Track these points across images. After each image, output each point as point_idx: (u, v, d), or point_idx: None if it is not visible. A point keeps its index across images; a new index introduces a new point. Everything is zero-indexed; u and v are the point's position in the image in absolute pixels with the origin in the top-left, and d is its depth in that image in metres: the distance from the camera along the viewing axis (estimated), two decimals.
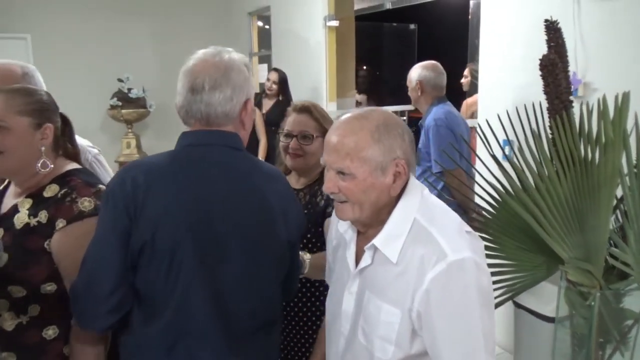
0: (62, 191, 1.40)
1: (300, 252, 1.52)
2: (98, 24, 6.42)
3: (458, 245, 1.11)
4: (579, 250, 1.71)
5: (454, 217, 1.20)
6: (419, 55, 3.98)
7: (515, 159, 1.77)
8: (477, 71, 3.44)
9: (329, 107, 5.18)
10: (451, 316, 1.10)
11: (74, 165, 1.51)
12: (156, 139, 6.66)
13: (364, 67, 5.59)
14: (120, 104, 6.26)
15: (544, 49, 1.81)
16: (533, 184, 1.65)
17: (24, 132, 1.39)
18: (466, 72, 4.91)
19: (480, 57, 3.29)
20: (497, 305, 1.96)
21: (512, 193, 1.82)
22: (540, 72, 1.68)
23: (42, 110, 1.44)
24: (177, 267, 1.20)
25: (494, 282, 1.97)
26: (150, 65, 6.71)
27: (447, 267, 1.09)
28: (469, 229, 1.18)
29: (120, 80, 6.32)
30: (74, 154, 1.56)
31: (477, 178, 2.08)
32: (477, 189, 2.08)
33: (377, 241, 1.18)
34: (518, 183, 1.78)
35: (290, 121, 1.82)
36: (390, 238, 1.17)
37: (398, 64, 3.76)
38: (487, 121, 2.14)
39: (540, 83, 1.72)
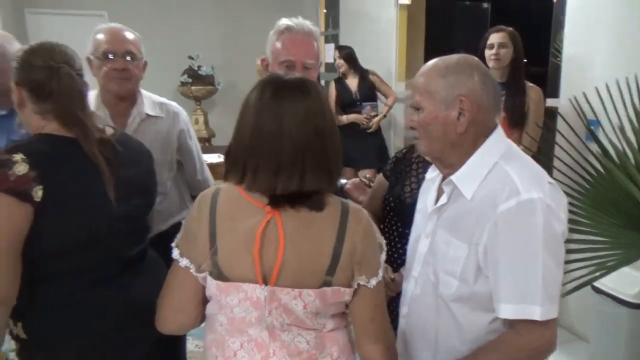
0: None
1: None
2: (170, 1, 6.58)
3: (532, 187, 1.13)
4: None
5: (538, 168, 1.23)
6: None
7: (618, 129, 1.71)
8: (558, 50, 3.30)
9: (398, 87, 5.12)
10: (514, 254, 1.12)
11: None
12: (223, 116, 6.79)
13: (433, 47, 5.48)
14: (190, 80, 6.42)
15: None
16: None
17: None
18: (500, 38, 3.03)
19: (566, 34, 3.15)
20: (587, 283, 1.90)
21: (606, 168, 1.75)
22: None
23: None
24: None
25: (585, 260, 1.91)
26: (219, 43, 6.83)
27: (517, 204, 1.12)
28: (553, 181, 1.20)
29: (190, 58, 6.48)
30: None
31: (559, 154, 2.01)
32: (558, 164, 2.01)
33: (454, 177, 1.24)
34: (616, 158, 1.71)
35: None
36: (467, 175, 1.23)
37: (469, 44, 3.63)
38: (581, 97, 2.06)
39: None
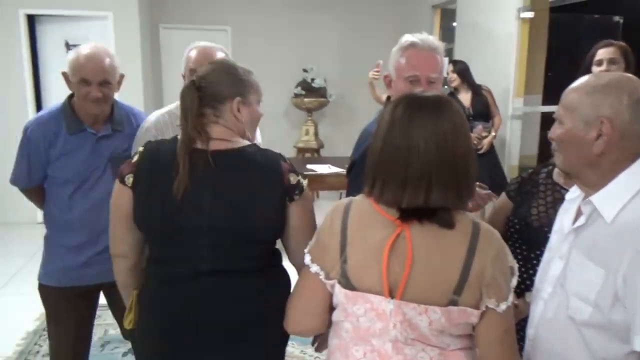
0: None
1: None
2: (289, 17, 6.88)
3: None
4: None
5: None
6: None
7: None
8: None
9: (515, 103, 4.93)
10: None
11: None
12: (333, 128, 6.95)
13: (556, 63, 5.19)
14: (303, 92, 6.63)
15: None
16: None
17: None
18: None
19: None
20: None
21: None
22: None
23: None
24: None
25: None
26: (333, 56, 7.02)
27: None
28: None
29: (305, 71, 6.71)
30: None
31: None
32: None
33: (594, 198, 1.20)
34: None
35: None
36: (609, 197, 1.17)
37: None
38: None
39: None
